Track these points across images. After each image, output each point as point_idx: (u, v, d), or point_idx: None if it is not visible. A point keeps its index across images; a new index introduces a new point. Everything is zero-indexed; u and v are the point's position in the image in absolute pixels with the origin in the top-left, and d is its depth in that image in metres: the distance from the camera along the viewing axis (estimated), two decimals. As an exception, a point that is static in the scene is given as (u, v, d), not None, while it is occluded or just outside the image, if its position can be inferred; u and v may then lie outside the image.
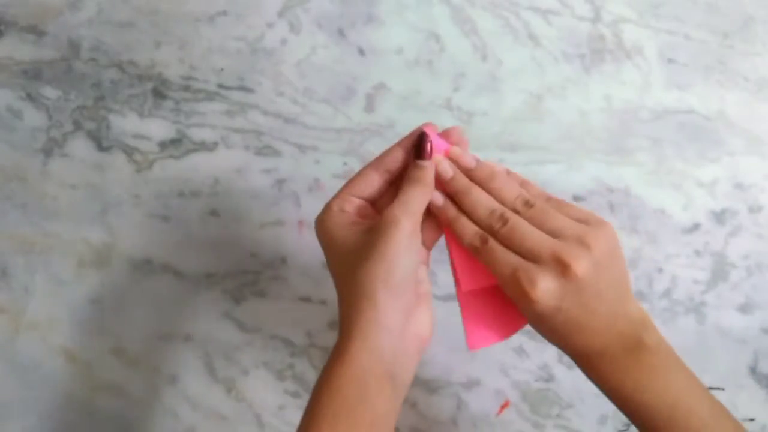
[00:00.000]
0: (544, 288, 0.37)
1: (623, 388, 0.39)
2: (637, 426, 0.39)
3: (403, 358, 0.38)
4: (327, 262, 0.41)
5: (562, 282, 0.37)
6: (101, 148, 0.57)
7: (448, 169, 0.41)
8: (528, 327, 0.56)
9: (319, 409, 0.35)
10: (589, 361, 0.40)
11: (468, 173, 0.41)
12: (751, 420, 0.56)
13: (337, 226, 0.40)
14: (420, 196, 0.39)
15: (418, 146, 0.40)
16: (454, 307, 0.57)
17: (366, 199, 0.41)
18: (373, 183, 0.41)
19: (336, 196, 0.41)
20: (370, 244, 0.37)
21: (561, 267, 0.37)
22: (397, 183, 0.41)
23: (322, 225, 0.41)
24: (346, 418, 0.35)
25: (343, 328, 0.38)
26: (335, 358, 0.37)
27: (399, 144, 0.41)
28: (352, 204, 0.41)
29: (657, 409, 0.38)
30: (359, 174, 0.41)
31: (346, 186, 0.41)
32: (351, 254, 0.38)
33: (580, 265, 0.37)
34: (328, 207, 0.41)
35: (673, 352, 0.40)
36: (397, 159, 0.41)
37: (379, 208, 0.42)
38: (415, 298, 0.40)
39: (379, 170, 0.41)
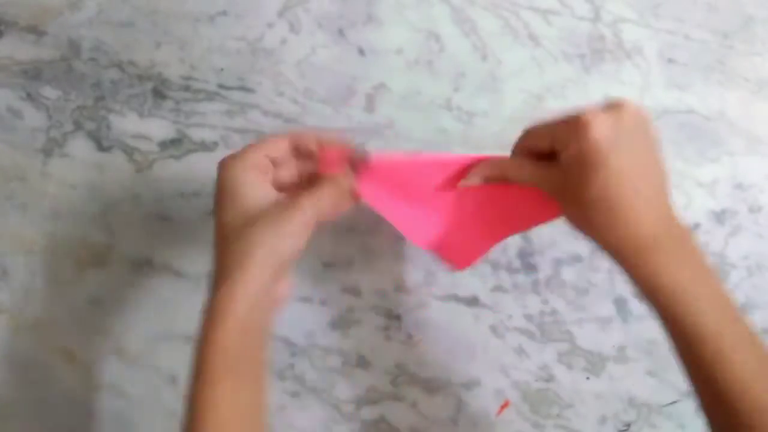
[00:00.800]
0: (600, 119, 0.37)
1: (677, 282, 0.37)
2: (689, 324, 0.37)
3: (270, 314, 0.41)
4: (220, 206, 0.41)
5: (612, 122, 0.37)
6: (101, 148, 0.57)
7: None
8: (527, 327, 0.57)
9: (210, 367, 0.37)
10: (637, 254, 0.37)
11: None
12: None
13: (245, 179, 0.41)
14: (333, 199, 0.42)
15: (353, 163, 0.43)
16: (455, 307, 0.57)
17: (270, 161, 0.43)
18: (284, 152, 0.43)
19: (251, 151, 0.42)
20: (274, 216, 0.39)
21: (613, 108, 0.37)
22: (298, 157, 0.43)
23: (231, 171, 0.41)
24: (237, 374, 0.37)
25: (222, 280, 0.39)
26: (219, 312, 0.38)
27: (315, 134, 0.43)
28: (262, 163, 0.42)
29: (713, 303, 0.37)
30: (276, 139, 0.42)
31: (261, 145, 0.42)
32: (250, 213, 0.40)
33: (628, 110, 0.37)
34: (242, 157, 0.41)
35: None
36: (311, 144, 0.43)
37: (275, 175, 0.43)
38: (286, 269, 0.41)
39: (294, 144, 0.43)
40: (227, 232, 0.40)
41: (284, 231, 0.39)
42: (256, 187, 0.41)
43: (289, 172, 0.44)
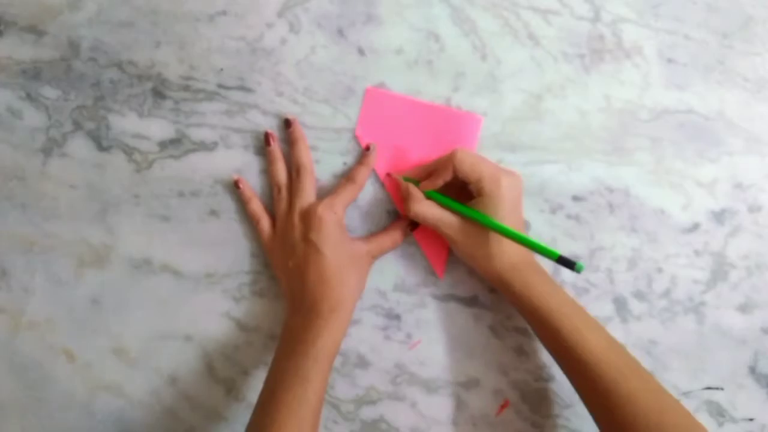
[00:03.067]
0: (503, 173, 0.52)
1: (539, 294, 0.49)
2: (552, 320, 0.48)
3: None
4: (318, 249, 0.51)
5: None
6: (101, 147, 0.57)
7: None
8: (526, 327, 0.57)
9: (310, 372, 0.48)
10: (507, 277, 0.50)
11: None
12: (751, 420, 0.56)
13: (337, 226, 0.53)
14: (392, 246, 0.56)
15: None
16: (454, 307, 0.57)
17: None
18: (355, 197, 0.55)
19: (336, 201, 0.53)
20: (364, 266, 0.54)
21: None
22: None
23: (329, 221, 0.52)
24: (324, 379, 0.49)
25: (329, 313, 0.50)
26: (326, 332, 0.50)
27: (366, 164, 0.55)
28: (342, 210, 0.54)
29: (565, 304, 0.49)
30: (349, 190, 0.54)
31: (340, 196, 0.53)
32: (347, 256, 0.53)
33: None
34: (331, 207, 0.53)
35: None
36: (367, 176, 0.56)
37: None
38: None
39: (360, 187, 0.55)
40: (329, 279, 0.51)
41: (365, 277, 0.55)
42: (345, 242, 0.53)
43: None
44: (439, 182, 0.52)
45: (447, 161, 0.51)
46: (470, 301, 0.56)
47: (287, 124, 0.56)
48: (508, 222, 0.49)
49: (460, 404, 0.56)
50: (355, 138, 0.56)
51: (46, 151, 0.57)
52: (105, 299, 0.57)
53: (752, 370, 0.56)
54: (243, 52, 0.57)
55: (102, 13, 0.58)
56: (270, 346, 0.57)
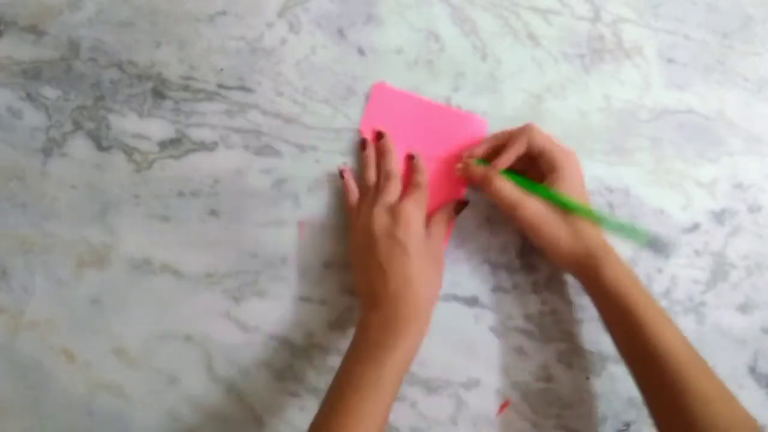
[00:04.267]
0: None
1: (618, 282, 0.47)
2: (629, 310, 0.46)
3: None
4: (405, 248, 0.49)
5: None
6: (101, 147, 0.57)
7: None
8: (527, 327, 0.57)
9: (385, 383, 0.46)
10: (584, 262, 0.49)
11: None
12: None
13: (422, 226, 0.52)
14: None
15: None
16: (455, 307, 0.57)
17: None
18: None
19: (420, 200, 0.52)
20: (440, 264, 0.53)
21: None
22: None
23: (417, 220, 0.51)
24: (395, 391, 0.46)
25: (412, 318, 0.48)
26: (384, 344, 0.47)
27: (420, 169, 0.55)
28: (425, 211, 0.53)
29: (644, 295, 0.47)
30: (423, 192, 0.53)
31: (419, 197, 0.53)
32: (426, 260, 0.50)
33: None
34: (417, 204, 0.52)
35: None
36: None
37: None
38: None
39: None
40: (416, 274, 0.49)
41: (440, 281, 0.54)
42: (425, 238, 0.52)
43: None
44: (513, 156, 0.51)
45: (520, 134, 0.50)
46: (470, 301, 0.56)
47: (379, 136, 0.56)
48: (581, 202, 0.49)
49: (460, 404, 0.56)
50: (358, 133, 0.56)
51: (46, 151, 0.57)
52: (105, 299, 0.57)
53: (752, 370, 0.56)
54: (243, 52, 0.57)
55: (102, 13, 0.58)
56: (270, 346, 0.57)
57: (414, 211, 0.51)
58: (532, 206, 0.50)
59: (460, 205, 0.55)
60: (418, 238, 0.50)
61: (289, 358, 0.56)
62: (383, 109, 0.56)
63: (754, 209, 0.56)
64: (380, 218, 0.51)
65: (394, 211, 0.51)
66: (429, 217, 0.54)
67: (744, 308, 0.56)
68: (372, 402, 0.45)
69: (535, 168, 0.52)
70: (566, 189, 0.49)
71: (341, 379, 0.47)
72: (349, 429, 0.44)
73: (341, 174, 0.56)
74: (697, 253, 0.56)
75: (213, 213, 0.57)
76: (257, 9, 0.57)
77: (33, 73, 0.58)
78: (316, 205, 0.57)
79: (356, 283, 0.53)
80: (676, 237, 0.55)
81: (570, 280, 0.56)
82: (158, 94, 0.57)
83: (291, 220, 0.57)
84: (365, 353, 0.47)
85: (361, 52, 0.57)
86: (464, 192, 0.56)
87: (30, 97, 0.58)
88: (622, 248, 0.56)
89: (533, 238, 0.51)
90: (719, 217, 0.56)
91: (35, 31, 0.58)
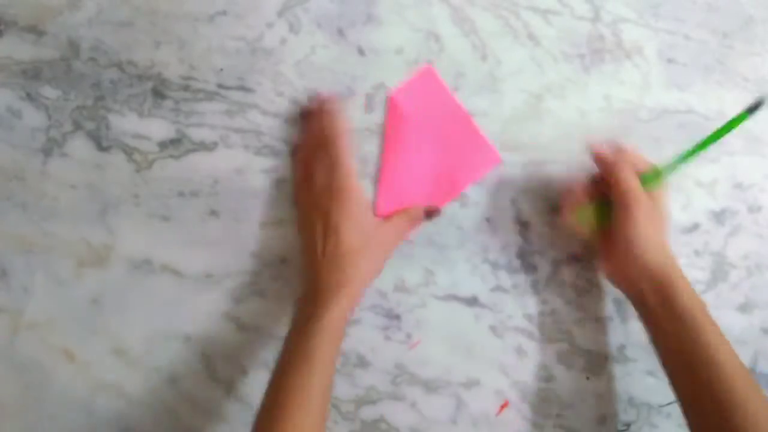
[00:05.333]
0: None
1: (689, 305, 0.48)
2: (698, 334, 0.47)
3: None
4: (348, 225, 0.50)
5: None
6: (101, 147, 0.57)
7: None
8: (526, 327, 0.57)
9: (318, 351, 0.47)
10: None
11: None
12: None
13: (360, 204, 0.52)
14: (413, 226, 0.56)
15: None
16: (454, 307, 0.57)
17: None
18: None
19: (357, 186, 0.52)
20: (387, 246, 0.53)
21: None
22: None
23: (360, 196, 0.52)
24: (334, 354, 0.48)
25: (345, 284, 0.49)
26: (338, 307, 0.48)
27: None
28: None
29: (707, 318, 0.48)
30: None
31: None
32: (366, 235, 0.51)
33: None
34: (358, 190, 0.52)
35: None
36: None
37: None
38: None
39: None
40: (348, 254, 0.50)
41: (387, 258, 0.54)
42: (371, 219, 0.53)
43: None
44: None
45: (611, 171, 0.50)
46: (470, 301, 0.56)
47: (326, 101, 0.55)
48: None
49: (460, 404, 0.56)
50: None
51: (46, 151, 0.57)
52: (105, 299, 0.57)
53: (752, 370, 0.56)
54: (243, 52, 0.57)
55: (102, 13, 0.57)
56: (270, 346, 0.57)
57: (353, 187, 0.51)
58: (645, 206, 0.49)
59: (432, 212, 0.55)
60: (352, 219, 0.51)
61: (289, 358, 0.56)
62: (420, 91, 0.56)
63: (754, 209, 0.56)
64: (321, 201, 0.52)
65: (335, 190, 0.51)
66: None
67: (744, 308, 0.56)
68: (306, 375, 0.46)
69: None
70: (633, 233, 0.48)
71: (279, 359, 0.48)
72: (286, 405, 0.45)
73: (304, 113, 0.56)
74: (697, 253, 0.56)
75: (213, 213, 0.57)
76: (257, 9, 0.57)
77: (33, 73, 0.58)
78: (316, 205, 0.57)
79: (303, 245, 0.54)
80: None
81: (570, 280, 0.56)
82: (158, 94, 0.57)
83: (291, 220, 0.57)
84: (296, 328, 0.49)
85: (361, 52, 0.57)
86: (446, 203, 0.56)
87: (30, 97, 0.58)
88: (622, 248, 0.56)
89: (621, 242, 0.49)
90: (719, 217, 0.56)
91: (35, 31, 0.57)
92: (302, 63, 0.57)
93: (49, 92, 0.58)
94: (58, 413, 0.56)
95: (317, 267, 0.51)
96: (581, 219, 0.52)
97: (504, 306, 0.56)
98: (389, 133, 0.56)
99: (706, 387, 0.45)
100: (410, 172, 0.56)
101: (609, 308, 0.56)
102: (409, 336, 0.57)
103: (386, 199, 0.56)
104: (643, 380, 0.56)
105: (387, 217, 0.54)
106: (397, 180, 0.56)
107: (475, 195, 0.56)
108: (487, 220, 0.56)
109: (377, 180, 0.57)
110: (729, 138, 0.56)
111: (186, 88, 0.57)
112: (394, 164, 0.56)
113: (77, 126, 0.57)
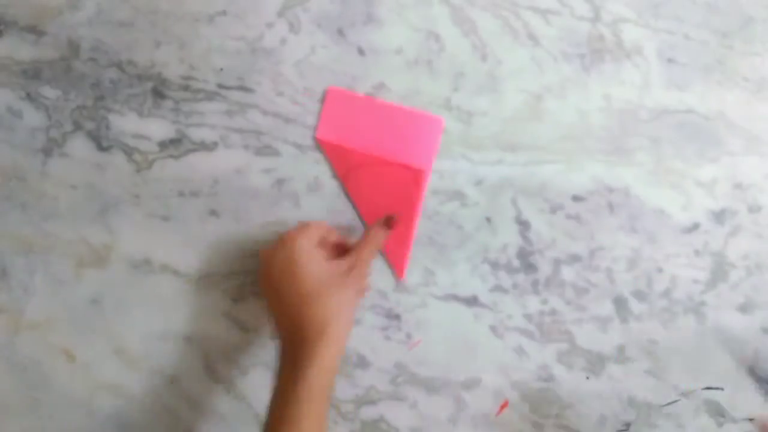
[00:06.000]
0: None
1: None
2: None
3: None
4: (295, 273, 0.48)
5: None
6: (101, 147, 0.57)
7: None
8: (526, 327, 0.57)
9: (306, 401, 0.45)
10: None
11: None
12: (751, 420, 0.56)
13: (314, 252, 0.50)
14: (374, 254, 0.55)
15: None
16: (454, 307, 0.57)
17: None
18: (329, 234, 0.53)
19: (313, 231, 0.51)
20: (349, 283, 0.49)
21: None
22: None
23: (303, 245, 0.49)
24: (323, 404, 0.46)
25: (315, 335, 0.46)
26: (318, 358, 0.46)
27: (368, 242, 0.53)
28: (320, 239, 0.51)
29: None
30: (325, 227, 0.52)
31: (316, 229, 0.51)
32: (323, 280, 0.48)
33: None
34: (308, 235, 0.50)
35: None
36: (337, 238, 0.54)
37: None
38: None
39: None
40: (308, 295, 0.47)
41: (358, 290, 0.51)
42: (322, 259, 0.49)
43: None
44: None
45: None
46: (470, 301, 0.56)
47: None
48: None
49: (460, 404, 0.56)
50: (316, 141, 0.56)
51: (46, 151, 0.57)
52: (105, 299, 0.57)
53: (752, 370, 0.56)
54: (243, 52, 0.57)
55: (102, 14, 0.58)
56: (270, 346, 0.57)
57: (298, 233, 0.50)
58: None
59: (389, 220, 0.54)
60: (305, 256, 0.49)
61: (289, 358, 0.56)
62: (339, 114, 0.56)
63: (753, 209, 0.56)
64: (275, 252, 0.50)
65: (282, 239, 0.50)
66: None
67: (744, 308, 0.56)
68: (303, 416, 0.44)
69: None
70: None
71: (265, 427, 0.46)
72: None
73: None
74: (697, 253, 0.56)
75: (213, 213, 0.57)
76: (257, 9, 0.57)
77: (33, 73, 0.58)
78: (315, 205, 0.57)
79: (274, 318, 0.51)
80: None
81: (569, 279, 0.56)
82: (158, 94, 0.57)
83: (291, 220, 0.57)
84: (280, 391, 0.47)
85: (360, 52, 0.57)
86: (419, 197, 0.56)
87: (30, 97, 0.58)
88: (623, 243, 0.56)
89: None
90: (719, 217, 0.56)
91: (35, 31, 0.58)
92: (302, 63, 0.57)
93: (49, 92, 0.58)
94: (57, 413, 0.56)
95: (287, 315, 0.48)
96: None
97: (504, 306, 0.56)
98: (342, 172, 0.56)
99: None
100: (379, 182, 0.56)
101: (608, 308, 0.56)
102: (409, 336, 0.57)
103: (373, 217, 0.56)
104: (643, 380, 0.56)
105: (341, 257, 0.51)
106: (373, 200, 0.56)
107: (475, 195, 0.56)
108: (487, 220, 0.56)
109: (362, 219, 0.57)
110: (729, 138, 0.56)
111: (186, 88, 0.57)
112: (362, 190, 0.56)
113: (77, 126, 0.57)
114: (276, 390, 0.47)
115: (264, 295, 0.51)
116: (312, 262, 0.49)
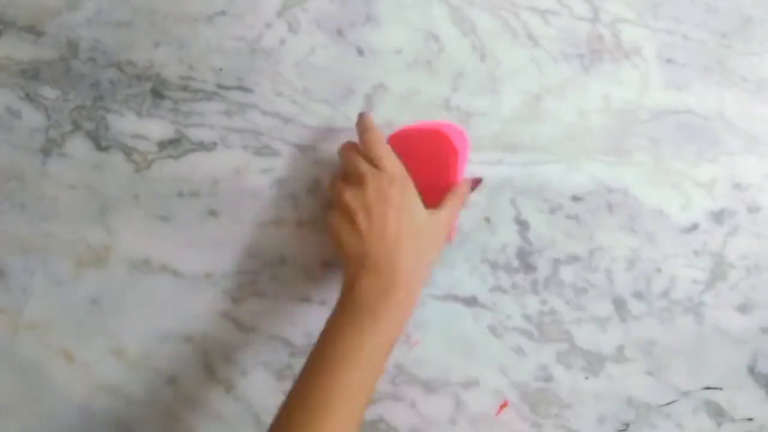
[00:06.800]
0: None
1: None
2: None
3: None
4: (400, 209, 0.46)
5: None
6: (100, 148, 0.57)
7: None
8: (526, 327, 0.57)
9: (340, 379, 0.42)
10: None
11: None
12: (750, 420, 0.56)
13: (418, 196, 0.49)
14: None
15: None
16: (454, 307, 0.57)
17: None
18: None
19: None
20: (439, 239, 0.49)
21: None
22: None
23: (413, 187, 0.49)
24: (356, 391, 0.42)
25: (384, 294, 0.44)
26: (371, 324, 0.43)
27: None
28: None
29: None
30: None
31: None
32: (420, 229, 0.47)
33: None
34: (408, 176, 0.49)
35: None
36: None
37: None
38: None
39: None
40: (409, 239, 0.46)
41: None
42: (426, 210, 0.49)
43: None
44: None
45: None
46: (470, 301, 0.56)
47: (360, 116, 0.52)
48: None
49: (459, 404, 0.56)
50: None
51: (46, 152, 0.57)
52: (104, 299, 0.57)
53: (751, 370, 0.56)
54: (242, 52, 0.57)
55: (101, 13, 0.57)
56: (269, 346, 0.57)
57: (409, 180, 0.48)
58: None
59: (477, 182, 0.53)
60: (415, 205, 0.47)
61: (289, 358, 0.56)
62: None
63: (752, 209, 0.56)
64: (376, 185, 0.46)
65: (392, 177, 0.47)
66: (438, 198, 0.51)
67: (743, 308, 0.56)
68: (364, 373, 0.41)
69: None
70: None
71: (326, 347, 0.43)
72: (336, 401, 0.40)
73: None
74: (696, 253, 0.56)
75: (212, 213, 0.57)
76: (256, 9, 0.57)
77: (32, 73, 0.58)
78: (315, 205, 0.57)
79: (340, 243, 0.47)
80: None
81: (568, 279, 0.56)
82: (157, 94, 0.57)
83: (291, 220, 0.57)
84: (355, 321, 0.43)
85: (360, 52, 0.57)
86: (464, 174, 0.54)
87: (29, 98, 0.58)
88: (623, 243, 0.56)
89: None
90: (718, 217, 0.56)
91: (34, 31, 0.57)
92: (301, 63, 0.57)
93: (48, 92, 0.58)
94: (57, 413, 0.56)
95: (381, 253, 0.45)
96: None
97: (503, 306, 0.56)
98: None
99: None
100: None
101: (608, 308, 0.56)
102: (408, 336, 0.57)
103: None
104: (642, 380, 0.56)
105: (436, 206, 0.50)
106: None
107: (475, 195, 0.56)
108: (487, 220, 0.56)
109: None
110: (728, 138, 0.56)
111: (185, 88, 0.57)
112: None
113: (76, 126, 0.57)
114: (348, 314, 0.44)
115: (338, 225, 0.48)
116: (419, 215, 0.47)
